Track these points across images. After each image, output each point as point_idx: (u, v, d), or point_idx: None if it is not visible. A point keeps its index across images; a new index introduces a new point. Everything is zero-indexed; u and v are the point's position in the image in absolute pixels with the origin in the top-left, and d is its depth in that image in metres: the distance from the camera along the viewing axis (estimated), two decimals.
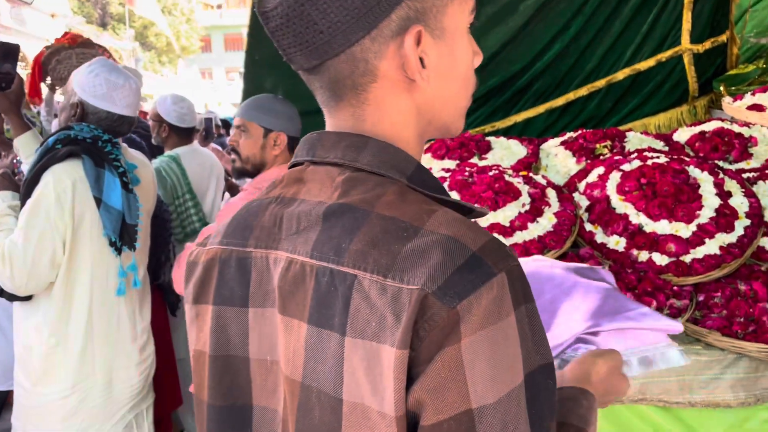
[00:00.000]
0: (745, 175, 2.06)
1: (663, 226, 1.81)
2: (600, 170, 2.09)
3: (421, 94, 0.67)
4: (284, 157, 2.03)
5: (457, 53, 0.69)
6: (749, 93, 2.58)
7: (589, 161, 2.24)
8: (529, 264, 1.29)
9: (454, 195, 1.95)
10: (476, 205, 0.71)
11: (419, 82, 0.66)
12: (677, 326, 1.07)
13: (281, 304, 0.64)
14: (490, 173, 2.04)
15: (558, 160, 2.34)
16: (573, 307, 1.09)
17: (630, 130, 2.54)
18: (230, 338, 0.70)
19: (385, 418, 0.57)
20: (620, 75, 2.93)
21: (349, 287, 0.59)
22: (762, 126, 2.37)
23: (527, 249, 1.77)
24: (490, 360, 0.55)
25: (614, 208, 1.92)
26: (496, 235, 1.79)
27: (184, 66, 28.48)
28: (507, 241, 1.80)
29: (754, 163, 2.21)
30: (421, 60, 0.65)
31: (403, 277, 0.57)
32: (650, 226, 1.82)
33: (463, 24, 0.69)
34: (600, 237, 1.87)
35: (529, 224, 1.85)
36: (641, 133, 2.44)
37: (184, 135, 2.97)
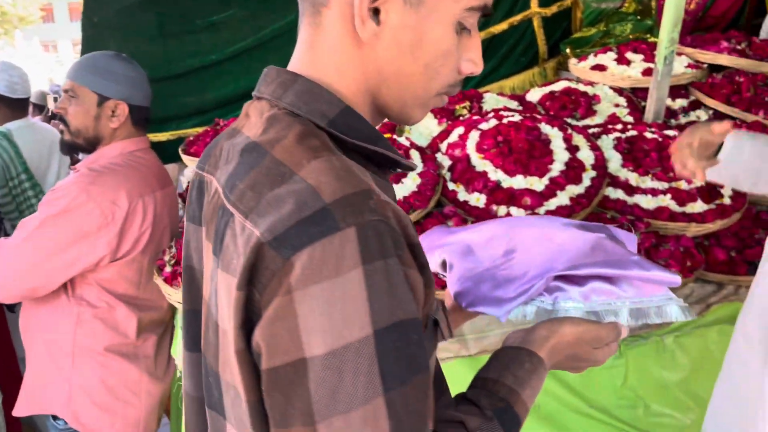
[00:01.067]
0: (590, 131, 2.19)
1: (519, 181, 1.87)
2: (460, 130, 2.13)
3: (370, 50, 0.66)
4: (127, 131, 1.76)
5: (428, 36, 0.65)
6: (592, 54, 2.75)
7: (449, 122, 2.28)
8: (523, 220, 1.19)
9: None
10: (404, 159, 0.70)
11: (360, 32, 0.64)
12: (675, 279, 0.96)
13: (206, 229, 0.71)
14: None
15: (420, 122, 2.35)
16: (552, 253, 0.98)
17: (487, 92, 2.61)
18: (191, 251, 0.77)
19: (233, 349, 0.61)
20: None
21: (226, 223, 0.63)
22: (604, 85, 2.54)
23: None
24: (325, 313, 0.55)
25: (474, 167, 1.96)
26: None
27: (22, 38, 25.68)
28: None
29: (597, 119, 2.36)
30: (378, 12, 0.63)
31: (257, 221, 0.59)
32: (507, 181, 1.89)
33: (448, 10, 0.65)
34: (462, 195, 1.91)
35: (394, 186, 1.84)
36: (497, 95, 2.52)
37: (15, 107, 2.65)
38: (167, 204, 1.85)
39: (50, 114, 4.14)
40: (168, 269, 1.67)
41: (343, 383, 0.55)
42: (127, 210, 1.64)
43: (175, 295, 1.62)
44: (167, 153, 2.71)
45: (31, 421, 2.46)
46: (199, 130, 2.71)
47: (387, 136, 2.08)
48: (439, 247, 1.12)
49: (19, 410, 1.73)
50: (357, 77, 0.67)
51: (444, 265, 1.08)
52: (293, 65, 0.70)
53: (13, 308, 2.12)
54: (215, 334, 0.67)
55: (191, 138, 2.58)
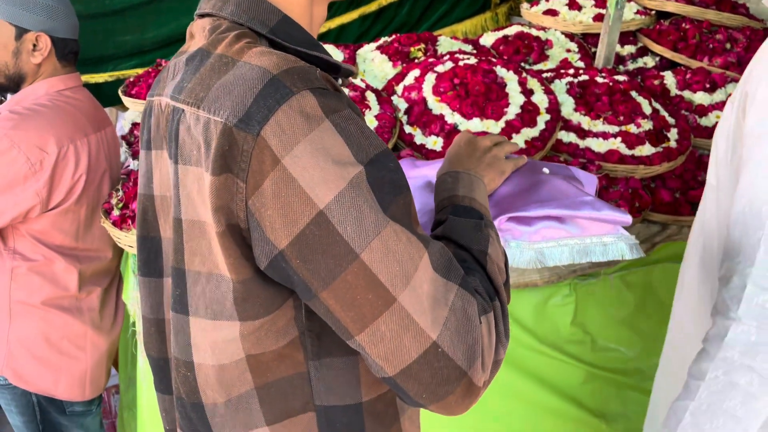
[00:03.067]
0: (543, 75, 2.20)
1: (476, 124, 1.87)
2: (416, 73, 2.10)
3: None
4: (52, 67, 1.61)
5: None
6: None
7: (404, 65, 2.24)
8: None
9: None
10: (343, 64, 0.75)
11: None
12: (625, 218, 0.99)
13: (155, 147, 0.74)
14: None
15: (375, 64, 2.31)
16: (507, 194, 1.00)
17: (441, 35, 2.58)
18: (144, 178, 0.79)
19: (212, 231, 0.64)
20: None
21: (179, 121, 0.67)
22: (556, 30, 2.55)
23: None
24: (317, 165, 0.59)
25: (431, 109, 1.94)
26: None
27: None
28: None
29: (550, 64, 2.38)
30: None
31: (211, 108, 0.62)
32: (464, 124, 1.88)
33: None
34: (419, 138, 1.90)
35: None
36: (451, 38, 2.49)
37: None
38: (105, 148, 1.72)
39: None
40: (116, 213, 1.60)
41: (363, 213, 0.59)
42: (57, 156, 1.52)
43: (125, 239, 1.56)
44: (105, 95, 2.57)
45: None
46: (140, 71, 2.57)
47: None
48: None
49: None
50: None
51: None
52: None
53: None
54: (177, 231, 0.70)
55: (132, 79, 2.44)
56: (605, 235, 1.00)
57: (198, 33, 0.73)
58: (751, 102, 1.02)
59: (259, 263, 0.64)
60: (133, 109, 2.32)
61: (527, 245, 0.99)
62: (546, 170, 1.12)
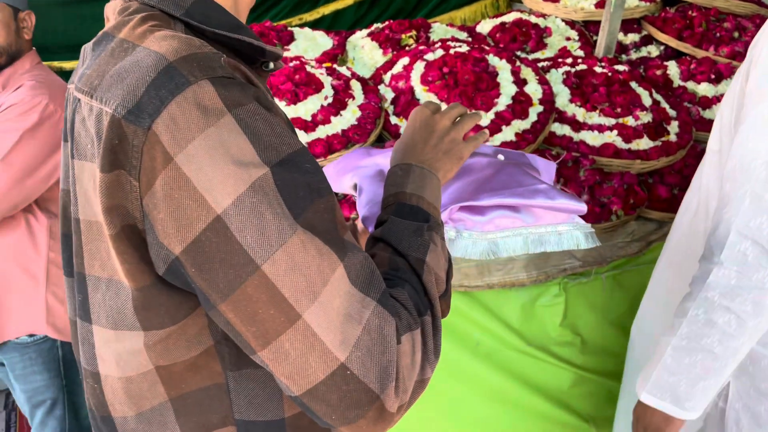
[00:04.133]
0: (540, 65, 2.11)
1: None
2: (405, 61, 2.01)
3: None
4: (30, 43, 1.69)
5: None
6: None
7: (395, 53, 2.16)
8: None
9: None
10: (269, 47, 0.68)
11: None
12: (580, 206, 0.96)
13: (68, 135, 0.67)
14: (290, 64, 1.88)
15: (365, 52, 2.23)
16: (459, 183, 0.97)
17: (436, 22, 2.49)
18: (63, 173, 0.73)
19: (107, 233, 0.59)
20: None
21: (74, 111, 0.62)
22: (556, 17, 2.45)
23: (330, 144, 1.67)
24: (214, 165, 0.53)
25: (418, 99, 1.87)
26: (296, 131, 1.66)
27: None
28: (309, 136, 1.68)
29: (548, 53, 2.28)
30: None
31: (103, 98, 0.57)
32: None
33: None
34: None
35: (332, 118, 1.73)
36: (446, 25, 2.40)
37: None
38: None
39: None
40: None
41: (265, 220, 0.54)
42: None
43: None
44: None
45: None
46: None
47: (327, 65, 1.95)
48: (353, 169, 1.10)
49: None
50: None
51: (355, 187, 1.06)
52: None
53: None
54: (77, 231, 0.65)
55: None
56: (560, 224, 0.97)
57: (110, 16, 0.68)
58: (754, 65, 1.07)
59: (157, 268, 0.58)
60: None
61: (480, 235, 0.95)
62: (501, 156, 1.08)
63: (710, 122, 1.99)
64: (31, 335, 1.67)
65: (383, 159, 1.08)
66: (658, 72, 2.14)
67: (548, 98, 1.88)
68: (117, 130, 0.55)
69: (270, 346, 0.55)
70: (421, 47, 2.07)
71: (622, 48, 2.36)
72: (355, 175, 1.09)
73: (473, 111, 0.86)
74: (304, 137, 1.66)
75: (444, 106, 0.83)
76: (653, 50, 2.35)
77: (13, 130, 1.52)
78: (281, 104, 1.71)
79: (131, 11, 0.63)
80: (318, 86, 1.79)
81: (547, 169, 1.13)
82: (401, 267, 0.65)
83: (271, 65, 0.70)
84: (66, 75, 2.19)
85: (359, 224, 1.03)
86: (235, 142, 0.54)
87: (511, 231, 0.94)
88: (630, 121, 1.85)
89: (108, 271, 0.62)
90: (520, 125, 1.79)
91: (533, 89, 1.89)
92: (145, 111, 0.54)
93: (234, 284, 0.54)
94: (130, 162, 0.55)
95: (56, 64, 2.53)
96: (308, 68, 1.85)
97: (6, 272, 1.63)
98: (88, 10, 2.56)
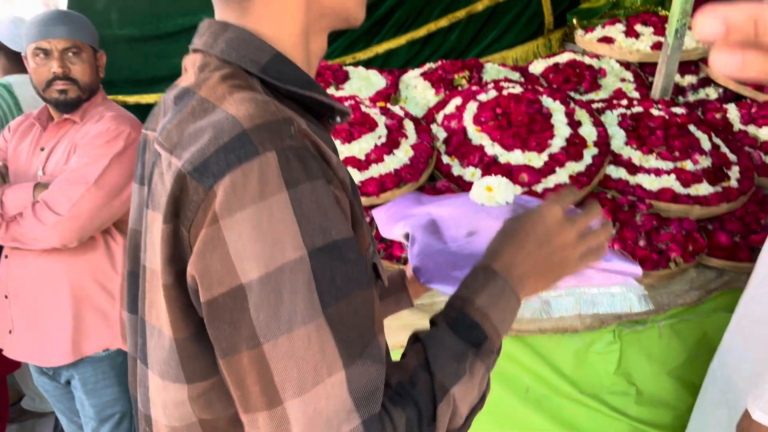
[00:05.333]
0: (594, 106, 2.09)
1: (517, 156, 1.79)
2: (457, 101, 2.03)
3: None
4: None
5: None
6: (600, 26, 2.63)
7: (447, 92, 2.18)
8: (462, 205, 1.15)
9: None
10: (338, 104, 0.70)
11: None
12: (635, 269, 0.94)
13: (147, 184, 0.69)
14: (346, 104, 1.91)
15: (417, 91, 2.26)
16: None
17: (488, 62, 2.51)
18: (136, 213, 0.74)
19: (160, 282, 0.61)
20: (480, 6, 2.88)
21: (154, 164, 0.64)
22: (610, 58, 2.43)
23: (382, 183, 1.68)
24: (254, 238, 0.55)
25: (470, 140, 1.87)
26: (350, 169, 1.68)
27: None
28: (362, 175, 1.70)
29: (602, 94, 2.26)
30: None
31: (181, 154, 0.58)
32: (505, 156, 1.80)
33: None
34: (457, 169, 1.82)
35: (385, 157, 1.75)
36: (499, 65, 2.41)
37: (18, 61, 2.62)
38: None
39: None
40: None
41: (283, 304, 0.54)
42: None
43: None
44: None
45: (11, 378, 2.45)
46: None
47: (380, 104, 1.98)
48: (405, 217, 1.12)
49: (61, 358, 1.73)
50: (297, 22, 0.68)
51: (407, 236, 1.07)
52: (225, 17, 0.69)
53: None
54: (143, 278, 0.67)
55: None
56: (613, 286, 0.93)
57: (189, 68, 0.70)
58: None
59: (199, 312, 0.60)
60: None
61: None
62: None
63: None
64: (105, 349, 1.74)
65: (435, 208, 1.09)
66: (718, 115, 2.10)
67: (603, 140, 1.86)
68: (181, 183, 0.57)
69: (248, 415, 0.57)
70: (474, 87, 2.08)
71: (679, 90, 2.33)
72: (407, 224, 1.11)
73: (606, 221, 0.77)
74: (357, 176, 1.69)
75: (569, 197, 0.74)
76: (711, 93, 2.30)
77: (104, 156, 1.66)
78: (336, 143, 1.75)
79: (212, 68, 0.65)
80: (372, 126, 1.81)
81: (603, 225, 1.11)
82: (420, 385, 0.62)
83: (338, 119, 0.72)
84: (129, 108, 2.30)
85: (409, 272, 1.03)
86: (282, 221, 0.55)
87: (564, 291, 0.92)
88: (689, 165, 1.81)
89: (161, 320, 0.64)
90: (574, 167, 1.77)
91: (588, 131, 1.88)
92: (210, 171, 0.56)
93: (233, 349, 0.56)
94: (187, 215, 0.57)
95: (120, 97, 2.65)
96: (363, 108, 1.88)
97: (86, 290, 1.72)
98: (151, 48, 2.68)
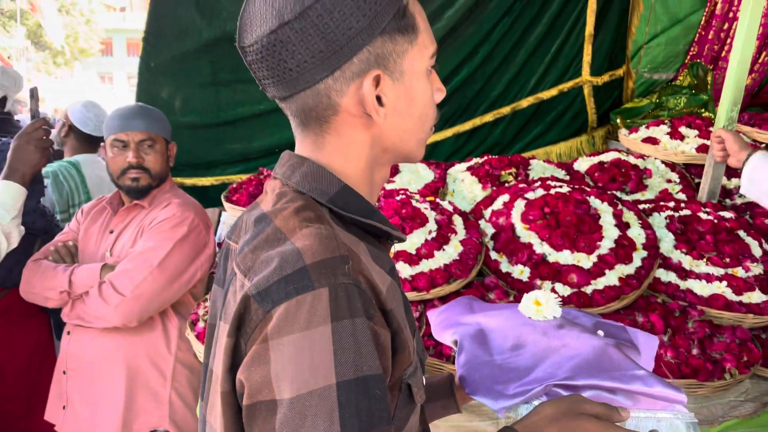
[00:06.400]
0: (640, 207, 2.12)
1: (565, 257, 1.81)
2: (505, 198, 2.08)
3: (378, 128, 0.76)
4: None
5: (415, 93, 0.77)
6: (644, 126, 2.70)
7: (494, 188, 2.24)
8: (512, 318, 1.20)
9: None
10: (395, 231, 0.79)
11: (376, 119, 0.75)
12: (680, 397, 0.96)
13: (225, 290, 0.78)
14: (397, 198, 1.98)
15: (464, 185, 2.32)
16: (556, 358, 1.03)
17: (533, 157, 2.58)
18: (214, 310, 0.83)
19: (219, 388, 0.71)
20: (524, 103, 2.98)
21: (230, 281, 0.74)
22: (655, 158, 2.47)
23: (433, 278, 1.71)
24: (294, 362, 0.62)
25: (519, 237, 1.90)
26: (400, 264, 1.72)
27: (81, 69, 26.85)
28: (412, 269, 1.74)
29: (648, 195, 2.29)
30: (380, 99, 0.74)
31: (252, 278, 0.68)
32: (553, 255, 1.82)
33: (422, 67, 0.77)
34: (505, 266, 1.85)
35: (436, 252, 1.79)
36: (544, 162, 2.48)
37: (86, 141, 2.81)
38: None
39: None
40: (201, 325, 1.64)
41: (304, 426, 0.61)
42: (211, 229, 1.95)
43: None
44: (210, 197, 2.74)
45: None
46: (243, 177, 2.73)
47: (430, 198, 2.05)
48: (455, 325, 1.18)
49: None
50: (368, 152, 0.78)
51: (456, 343, 1.13)
52: (302, 150, 0.79)
53: (60, 334, 2.13)
54: (209, 379, 0.76)
55: (234, 185, 2.59)
56: (660, 411, 0.96)
57: (269, 192, 0.79)
58: None
59: None
60: (232, 214, 2.45)
61: None
62: (601, 332, 1.11)
63: None
64: (153, 430, 1.79)
65: (484, 318, 1.14)
66: (767, 220, 2.09)
67: (652, 243, 1.87)
68: (246, 303, 0.66)
69: None
70: (521, 185, 2.13)
71: (725, 192, 2.34)
72: (456, 332, 1.17)
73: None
74: (407, 270, 1.72)
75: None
76: None
77: (168, 239, 1.76)
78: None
79: (288, 199, 0.74)
80: (423, 220, 1.87)
81: (648, 343, 1.16)
82: None
83: (395, 241, 0.82)
84: (186, 189, 2.42)
85: (457, 377, 1.07)
86: (321, 351, 0.62)
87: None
88: (740, 272, 1.80)
89: (218, 423, 0.72)
90: (623, 270, 1.78)
91: (636, 233, 1.89)
92: (271, 297, 0.65)
93: None
94: (246, 331, 0.66)
95: (178, 179, 2.78)
96: (413, 202, 1.95)
97: (140, 369, 1.78)
98: (209, 134, 2.83)
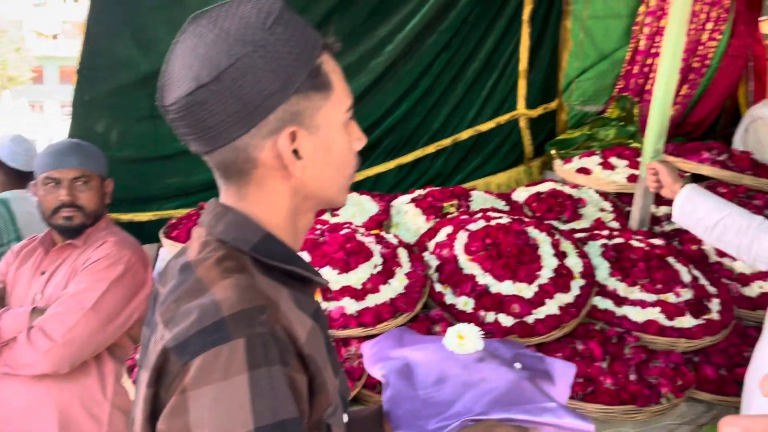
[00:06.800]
0: (576, 235, 2.19)
1: (507, 287, 1.84)
2: (448, 229, 2.11)
3: (297, 179, 0.80)
4: None
5: (332, 144, 0.81)
6: (577, 156, 2.81)
7: (438, 220, 2.27)
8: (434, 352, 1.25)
9: (306, 257, 1.86)
10: (317, 276, 0.83)
11: (293, 171, 0.78)
12: (587, 426, 1.03)
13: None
14: (342, 232, 1.98)
15: (408, 217, 2.35)
16: (474, 393, 1.09)
17: (474, 188, 2.63)
18: (141, 354, 0.83)
19: None
20: (464, 135, 3.06)
21: (152, 331, 0.76)
22: (589, 188, 2.58)
23: (379, 313, 1.72)
24: (213, 411, 0.65)
25: (462, 268, 1.93)
26: (346, 300, 1.72)
27: (11, 97, 25.81)
28: (358, 305, 1.73)
29: (583, 224, 2.38)
30: (297, 152, 0.78)
31: (172, 329, 0.70)
32: (496, 286, 1.85)
33: (338, 120, 0.81)
34: (450, 298, 1.87)
35: (381, 286, 1.80)
36: (484, 192, 2.54)
37: (15, 177, 2.71)
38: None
39: None
40: None
41: None
42: (150, 267, 1.88)
43: None
44: (148, 233, 2.65)
45: None
46: (183, 211, 2.67)
47: (375, 232, 2.06)
48: (383, 359, 1.23)
49: None
50: (289, 202, 0.81)
51: (384, 377, 1.18)
52: (226, 200, 0.82)
53: None
54: (131, 427, 0.78)
55: (174, 221, 2.53)
56: None
57: (195, 240, 0.82)
58: None
59: None
60: (171, 250, 2.38)
61: None
62: (518, 365, 1.19)
63: (750, 299, 2.02)
64: None
65: (411, 351, 1.19)
66: (694, 247, 2.21)
67: (589, 272, 1.94)
68: (165, 355, 0.69)
69: None
70: (463, 216, 2.18)
71: (654, 219, 2.45)
72: (384, 366, 1.21)
73: None
74: (353, 306, 1.72)
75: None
76: None
77: (102, 280, 1.69)
78: (333, 273, 1.79)
79: (211, 249, 0.77)
80: (368, 255, 1.87)
81: (565, 372, 1.23)
82: None
83: (320, 282, 0.86)
84: (122, 225, 2.34)
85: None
86: (239, 399, 0.65)
87: None
88: (671, 297, 1.88)
89: None
90: (563, 298, 1.83)
91: (574, 262, 1.96)
92: (188, 350, 0.67)
93: None
94: (165, 382, 0.69)
95: (114, 215, 2.69)
96: (358, 236, 1.95)
97: (73, 416, 1.69)
98: (147, 169, 2.75)
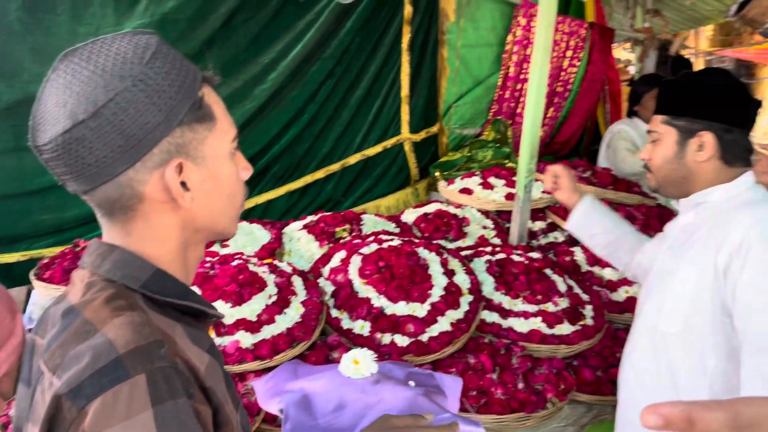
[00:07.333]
0: (463, 253, 2.30)
1: (402, 308, 1.90)
2: (342, 254, 2.14)
3: (186, 211, 0.79)
4: None
5: (220, 174, 0.80)
6: (459, 177, 2.95)
7: (331, 245, 2.29)
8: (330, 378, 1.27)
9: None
10: (212, 310, 0.82)
11: (182, 203, 0.77)
12: (478, 430, 1.10)
13: (31, 391, 0.75)
14: (233, 263, 1.95)
15: (302, 244, 2.35)
16: (374, 414, 1.11)
17: (364, 212, 2.69)
18: (20, 411, 0.78)
19: None
20: (352, 159, 3.12)
21: (38, 380, 0.71)
22: (471, 207, 2.71)
23: (276, 344, 1.70)
24: None
25: (357, 292, 1.96)
26: (241, 333, 1.68)
27: None
28: (254, 337, 1.71)
29: (468, 241, 2.50)
30: (185, 184, 0.77)
31: (61, 375, 0.66)
32: (391, 308, 1.90)
33: (224, 150, 0.80)
34: (346, 323, 1.89)
35: (277, 317, 1.78)
36: (375, 215, 2.60)
37: None
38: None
39: None
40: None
41: None
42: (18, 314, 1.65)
43: None
44: (16, 275, 2.45)
45: None
46: (56, 250, 2.49)
47: (267, 261, 2.04)
48: (280, 393, 1.24)
49: None
50: (179, 235, 0.80)
51: (281, 411, 1.19)
52: (111, 238, 0.79)
53: None
54: None
55: (46, 261, 2.35)
56: None
57: (78, 283, 0.77)
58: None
59: None
60: (44, 293, 2.21)
61: None
62: (412, 383, 1.26)
63: (618, 304, 2.21)
64: None
65: (307, 382, 1.21)
66: (567, 258, 2.39)
67: (476, 287, 2.04)
68: (57, 403, 0.65)
69: None
70: (356, 240, 2.22)
71: (531, 234, 2.63)
72: (282, 400, 1.22)
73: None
74: (249, 339, 1.69)
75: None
76: (559, 236, 2.63)
77: None
78: (226, 306, 1.75)
79: (97, 289, 0.74)
80: (261, 285, 1.85)
81: (453, 385, 1.31)
82: None
83: (214, 317, 0.85)
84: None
85: None
86: None
87: None
88: (550, 307, 2.02)
89: None
90: (453, 315, 1.91)
91: (462, 279, 2.05)
92: (84, 393, 0.63)
93: None
94: (59, 430, 0.64)
95: None
96: (251, 266, 1.93)
97: None
98: (14, 205, 2.55)
